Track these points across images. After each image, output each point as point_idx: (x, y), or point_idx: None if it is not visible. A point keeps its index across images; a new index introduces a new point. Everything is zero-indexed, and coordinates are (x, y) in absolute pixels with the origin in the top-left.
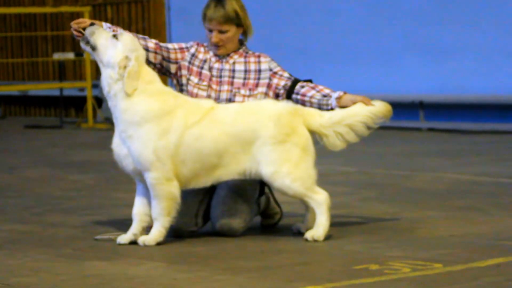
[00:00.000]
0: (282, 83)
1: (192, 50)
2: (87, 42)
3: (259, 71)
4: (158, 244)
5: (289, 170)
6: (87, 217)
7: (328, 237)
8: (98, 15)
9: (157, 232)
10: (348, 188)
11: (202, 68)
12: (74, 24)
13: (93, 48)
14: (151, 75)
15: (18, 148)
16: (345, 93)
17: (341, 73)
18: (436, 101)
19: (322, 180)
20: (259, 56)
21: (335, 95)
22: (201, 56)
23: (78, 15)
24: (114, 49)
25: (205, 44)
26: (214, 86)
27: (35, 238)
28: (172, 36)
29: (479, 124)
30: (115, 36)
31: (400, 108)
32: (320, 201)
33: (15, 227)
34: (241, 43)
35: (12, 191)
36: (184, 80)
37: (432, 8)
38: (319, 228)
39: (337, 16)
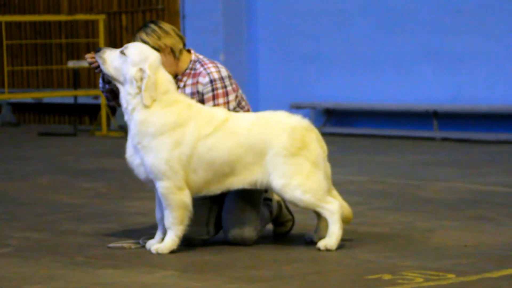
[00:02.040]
0: None
1: None
2: (96, 67)
3: (198, 93)
4: (171, 252)
5: (300, 182)
6: (100, 225)
7: (340, 247)
8: (113, 23)
9: (171, 241)
10: (361, 197)
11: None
12: (89, 58)
13: (111, 76)
14: (167, 84)
15: (32, 155)
16: None
17: (354, 82)
18: (450, 111)
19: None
20: (199, 75)
21: None
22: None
23: (93, 23)
24: (126, 65)
25: None
26: None
27: (48, 245)
28: (186, 44)
29: (493, 134)
30: (122, 52)
31: (414, 117)
32: (332, 210)
33: (28, 234)
34: (189, 51)
35: (25, 198)
36: None
37: (446, 18)
38: (332, 238)
39: (351, 24)
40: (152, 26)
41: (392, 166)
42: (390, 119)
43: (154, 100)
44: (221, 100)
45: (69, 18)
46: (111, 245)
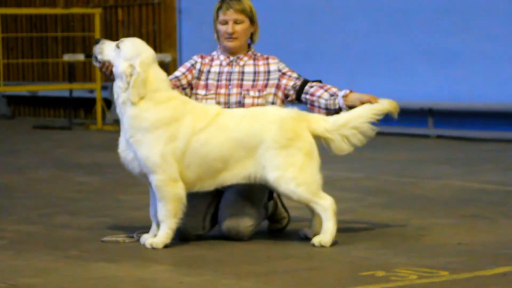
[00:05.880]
0: (291, 83)
1: (198, 66)
2: (97, 59)
3: (268, 72)
4: (165, 246)
5: (294, 174)
6: (94, 218)
7: (335, 243)
8: (109, 17)
9: (165, 234)
10: (355, 194)
11: (207, 79)
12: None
13: (103, 64)
14: (158, 82)
15: (27, 148)
16: (351, 91)
17: (349, 79)
18: (445, 108)
19: (330, 186)
20: (267, 58)
21: (341, 93)
22: (206, 68)
23: (89, 16)
24: (118, 59)
25: (212, 53)
26: (222, 91)
27: (42, 239)
28: (182, 39)
29: (488, 132)
30: (117, 45)
31: (409, 115)
32: (325, 206)
33: (22, 227)
34: (248, 46)
35: (20, 191)
36: (193, 98)
37: (442, 15)
38: (326, 234)
39: (346, 21)
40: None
41: (387, 163)
42: (385, 116)
43: (142, 98)
44: (295, 74)
45: (65, 11)
46: (105, 239)
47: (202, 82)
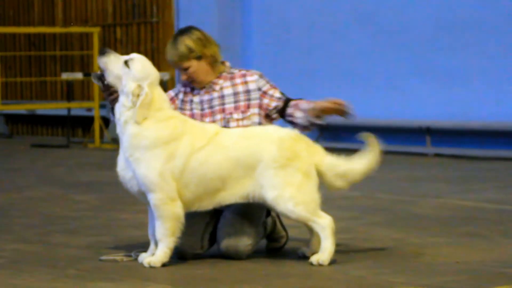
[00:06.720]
0: (273, 104)
1: (180, 96)
2: (100, 78)
3: (248, 91)
4: (163, 265)
5: (292, 194)
6: (92, 237)
7: (333, 262)
8: (108, 35)
9: (162, 253)
10: (353, 213)
11: (192, 109)
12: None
13: (108, 89)
14: (161, 101)
15: (25, 167)
16: (308, 102)
17: (348, 97)
18: (443, 127)
19: (327, 205)
20: (244, 76)
21: (305, 109)
22: (189, 98)
23: (88, 35)
24: (126, 77)
25: None
26: (207, 119)
27: (40, 258)
28: None
29: (485, 150)
30: (126, 63)
31: (407, 133)
32: (324, 225)
33: (20, 246)
34: (223, 63)
35: (18, 210)
36: None
37: (440, 34)
38: (324, 253)
39: (344, 40)
40: (197, 33)
41: (385, 182)
42: (383, 134)
43: (145, 118)
44: (277, 93)
45: (64, 30)
46: (103, 257)
47: (187, 112)
